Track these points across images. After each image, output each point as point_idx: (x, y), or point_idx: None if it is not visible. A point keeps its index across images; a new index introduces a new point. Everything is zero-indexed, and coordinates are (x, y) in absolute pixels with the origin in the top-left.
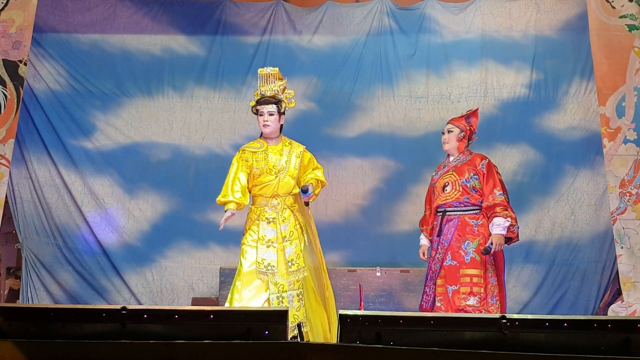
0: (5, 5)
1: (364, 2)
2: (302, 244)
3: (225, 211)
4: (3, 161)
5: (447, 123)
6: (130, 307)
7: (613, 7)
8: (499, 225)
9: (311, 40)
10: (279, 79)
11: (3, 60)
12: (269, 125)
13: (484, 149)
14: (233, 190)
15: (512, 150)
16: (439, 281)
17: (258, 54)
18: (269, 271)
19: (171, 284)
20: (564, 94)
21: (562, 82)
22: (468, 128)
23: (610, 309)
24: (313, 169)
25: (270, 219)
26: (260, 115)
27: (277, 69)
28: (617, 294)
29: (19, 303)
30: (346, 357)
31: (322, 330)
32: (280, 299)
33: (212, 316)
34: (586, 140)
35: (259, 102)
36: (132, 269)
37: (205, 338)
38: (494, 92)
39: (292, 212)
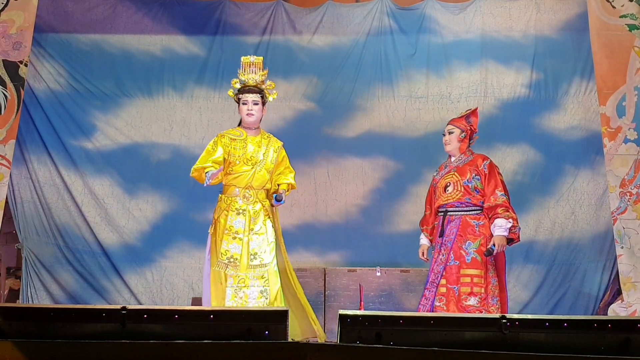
0: (6, 5)
1: (364, 2)
2: (269, 240)
3: (206, 172)
4: (3, 162)
5: (447, 124)
6: (130, 307)
7: (613, 7)
8: (500, 227)
9: (311, 40)
10: (261, 68)
11: (3, 60)
12: (253, 115)
13: (484, 149)
14: (214, 162)
15: (512, 150)
16: (442, 281)
17: (258, 54)
18: (230, 263)
19: (171, 284)
20: (564, 93)
21: (562, 82)
22: (468, 128)
23: (610, 309)
24: (285, 169)
25: (240, 210)
26: (244, 104)
27: (261, 58)
28: (617, 294)
29: (19, 303)
30: (346, 357)
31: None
32: (241, 293)
33: (212, 316)
34: (586, 140)
35: (242, 91)
36: (132, 269)
37: (205, 338)
38: (494, 92)
39: (263, 206)
